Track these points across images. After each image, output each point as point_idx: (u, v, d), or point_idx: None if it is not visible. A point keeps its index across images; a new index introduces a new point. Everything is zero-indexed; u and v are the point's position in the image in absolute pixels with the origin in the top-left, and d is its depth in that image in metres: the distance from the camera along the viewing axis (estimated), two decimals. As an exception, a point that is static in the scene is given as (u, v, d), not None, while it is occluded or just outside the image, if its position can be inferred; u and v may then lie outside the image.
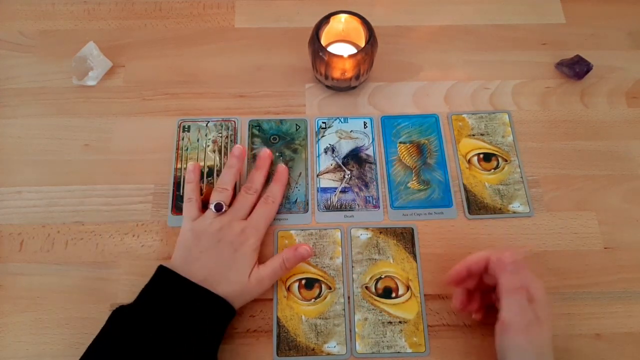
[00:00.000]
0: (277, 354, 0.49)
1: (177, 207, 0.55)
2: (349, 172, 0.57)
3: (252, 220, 0.51)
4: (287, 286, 0.51)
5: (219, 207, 0.50)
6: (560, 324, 0.50)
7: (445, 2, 0.69)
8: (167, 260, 0.53)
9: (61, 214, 0.55)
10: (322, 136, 0.59)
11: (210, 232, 0.49)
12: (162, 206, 0.55)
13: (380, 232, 0.54)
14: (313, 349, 0.49)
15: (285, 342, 0.49)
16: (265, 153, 0.55)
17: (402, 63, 0.64)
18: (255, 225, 0.50)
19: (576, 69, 0.62)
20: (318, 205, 0.56)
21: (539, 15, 0.68)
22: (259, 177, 0.54)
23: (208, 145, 0.58)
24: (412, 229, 0.54)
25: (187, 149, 0.58)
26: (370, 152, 0.59)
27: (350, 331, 0.50)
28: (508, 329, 0.41)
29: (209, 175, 0.57)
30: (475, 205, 0.55)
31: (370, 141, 0.59)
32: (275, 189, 0.54)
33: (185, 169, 0.57)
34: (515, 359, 0.41)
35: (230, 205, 0.51)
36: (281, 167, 0.55)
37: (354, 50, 0.59)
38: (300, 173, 0.57)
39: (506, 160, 0.58)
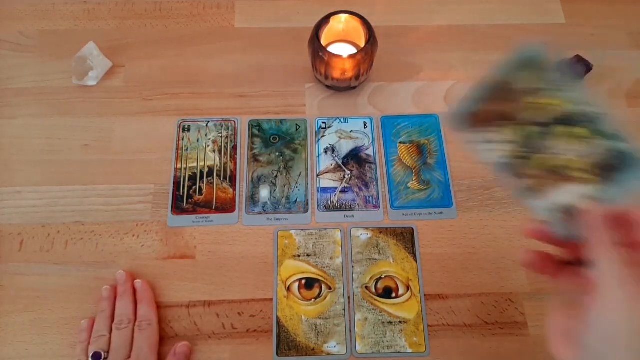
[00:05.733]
0: (277, 354, 0.49)
1: (177, 207, 0.55)
2: (349, 172, 0.57)
3: (136, 354, 0.46)
4: (287, 286, 0.51)
5: (97, 357, 0.45)
6: (560, 324, 0.50)
7: (445, 2, 0.69)
8: (166, 260, 0.53)
9: (61, 214, 0.55)
10: (322, 136, 0.59)
11: None
12: (162, 206, 0.55)
13: (380, 232, 0.54)
14: (313, 349, 0.49)
15: (285, 342, 0.49)
16: (121, 276, 0.51)
17: (402, 63, 0.64)
18: (141, 357, 0.46)
19: (576, 69, 0.62)
20: (318, 205, 0.56)
21: (539, 15, 0.68)
22: (124, 306, 0.49)
23: (208, 145, 0.58)
24: (412, 229, 0.54)
25: (187, 149, 0.58)
26: (370, 152, 0.59)
27: (350, 331, 0.50)
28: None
29: (209, 175, 0.57)
30: (475, 205, 0.55)
31: (370, 141, 0.59)
32: (144, 310, 0.49)
33: (185, 168, 0.57)
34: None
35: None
36: (138, 284, 0.50)
37: (354, 50, 0.59)
38: (300, 173, 0.57)
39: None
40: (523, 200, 0.30)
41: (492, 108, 0.31)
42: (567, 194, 0.30)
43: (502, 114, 0.31)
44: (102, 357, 0.46)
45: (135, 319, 0.48)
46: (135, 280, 0.51)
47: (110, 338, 0.47)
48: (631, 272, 0.28)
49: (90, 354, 0.46)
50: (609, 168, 0.30)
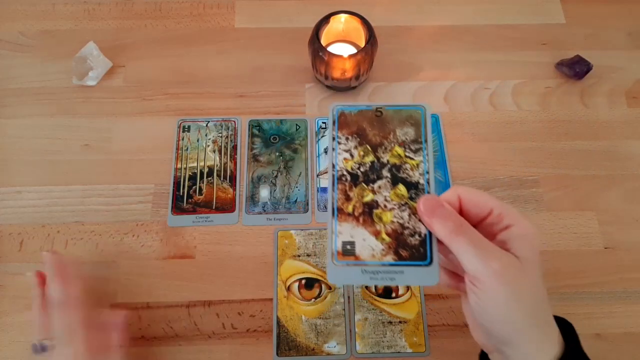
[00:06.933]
0: (277, 354, 0.49)
1: (177, 207, 0.55)
2: (348, 172, 0.57)
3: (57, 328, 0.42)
4: (287, 286, 0.51)
5: (40, 348, 0.41)
6: (561, 324, 0.50)
7: (445, 2, 0.69)
8: (166, 260, 0.53)
9: (61, 213, 0.55)
10: (322, 136, 0.59)
11: None
12: (162, 206, 0.55)
13: (380, 232, 0.54)
14: (313, 349, 0.49)
15: (285, 342, 0.49)
16: (47, 257, 0.45)
17: (402, 63, 0.64)
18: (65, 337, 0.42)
19: (576, 69, 0.62)
20: (318, 205, 0.55)
21: (539, 15, 0.68)
22: (53, 288, 0.43)
23: (208, 145, 0.58)
24: (412, 229, 0.54)
25: (187, 149, 0.58)
26: (370, 152, 0.59)
27: (350, 331, 0.50)
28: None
29: (209, 175, 0.57)
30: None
31: (370, 141, 0.59)
32: (53, 289, 0.43)
33: (185, 168, 0.57)
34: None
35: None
36: (47, 255, 0.45)
37: (354, 50, 0.59)
38: (300, 173, 0.57)
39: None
40: (326, 216, 0.32)
41: (364, 125, 0.34)
42: (358, 234, 0.32)
43: (368, 136, 0.34)
44: (47, 346, 0.42)
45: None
46: (43, 253, 0.47)
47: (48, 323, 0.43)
48: (479, 249, 0.30)
49: (32, 349, 0.42)
50: (402, 244, 0.32)
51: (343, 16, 0.57)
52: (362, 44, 0.58)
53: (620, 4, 0.69)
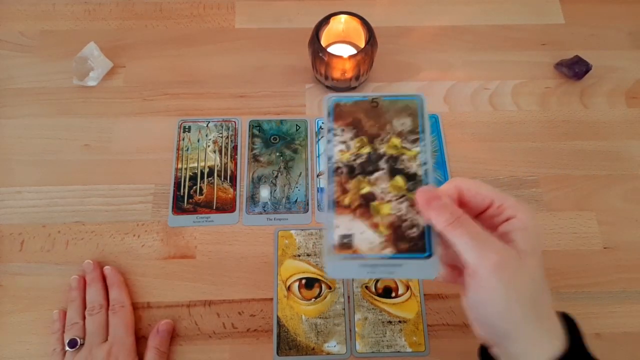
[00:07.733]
0: (277, 354, 0.49)
1: (177, 207, 0.55)
2: (348, 172, 0.57)
3: (112, 337, 0.47)
4: (287, 286, 0.52)
5: (73, 344, 0.46)
6: (560, 323, 0.50)
7: (445, 2, 0.69)
8: (166, 260, 0.53)
9: (61, 214, 0.55)
10: (322, 136, 0.59)
11: None
12: (163, 206, 0.55)
13: (380, 232, 0.54)
14: (313, 349, 0.49)
15: (285, 342, 0.49)
16: (89, 265, 0.51)
17: (402, 63, 0.64)
18: (117, 339, 0.47)
19: (576, 69, 0.62)
20: (318, 205, 0.56)
21: (539, 15, 0.68)
22: (94, 292, 0.49)
23: (208, 146, 0.58)
24: (412, 229, 0.54)
25: (187, 149, 0.58)
26: (370, 152, 0.59)
27: (350, 331, 0.50)
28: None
29: (209, 175, 0.57)
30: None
31: (370, 141, 0.59)
32: (115, 294, 0.50)
33: (186, 168, 0.57)
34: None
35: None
36: (107, 269, 0.51)
37: (354, 51, 0.59)
38: (300, 173, 0.57)
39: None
40: (323, 210, 0.32)
41: (360, 116, 0.33)
42: (355, 226, 0.31)
43: (364, 127, 0.33)
44: (79, 343, 0.46)
45: (108, 304, 0.49)
46: (104, 267, 0.51)
47: (84, 325, 0.48)
48: (478, 242, 0.29)
49: (66, 341, 0.47)
50: (401, 238, 0.31)
51: (343, 17, 0.57)
52: (362, 44, 0.58)
53: (620, 4, 0.69)
